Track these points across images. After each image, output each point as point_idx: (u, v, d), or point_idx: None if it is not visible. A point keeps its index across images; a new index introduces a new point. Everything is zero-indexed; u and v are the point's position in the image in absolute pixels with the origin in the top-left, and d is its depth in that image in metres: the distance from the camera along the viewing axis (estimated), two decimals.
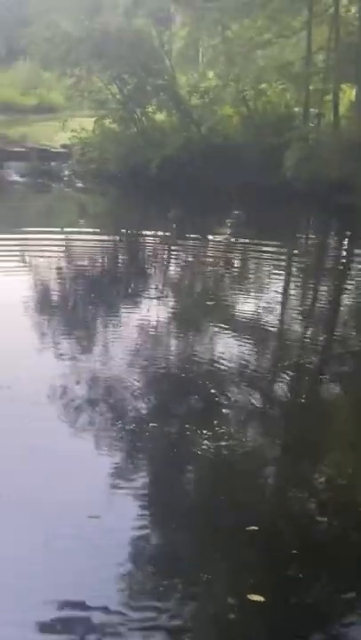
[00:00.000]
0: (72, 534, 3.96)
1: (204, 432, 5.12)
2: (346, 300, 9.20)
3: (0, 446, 4.84)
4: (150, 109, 17.38)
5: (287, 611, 3.56)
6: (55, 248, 10.89)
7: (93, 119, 17.41)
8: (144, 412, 5.50)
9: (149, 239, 12.65)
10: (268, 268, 10.73)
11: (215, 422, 5.28)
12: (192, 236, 12.71)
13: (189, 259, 11.42)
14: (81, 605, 3.45)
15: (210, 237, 12.88)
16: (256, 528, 4.08)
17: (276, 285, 9.61)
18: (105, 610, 3.43)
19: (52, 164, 17.44)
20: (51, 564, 3.73)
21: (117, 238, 12.66)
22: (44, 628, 3.33)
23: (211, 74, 18.74)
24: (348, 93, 16.46)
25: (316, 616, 3.52)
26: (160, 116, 17.48)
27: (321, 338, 7.76)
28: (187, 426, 5.26)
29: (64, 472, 4.59)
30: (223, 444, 5.01)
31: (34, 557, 3.76)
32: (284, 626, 3.47)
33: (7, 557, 3.75)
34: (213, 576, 3.75)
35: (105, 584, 3.64)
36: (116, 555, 3.85)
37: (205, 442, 5.00)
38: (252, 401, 5.80)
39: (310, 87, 15.98)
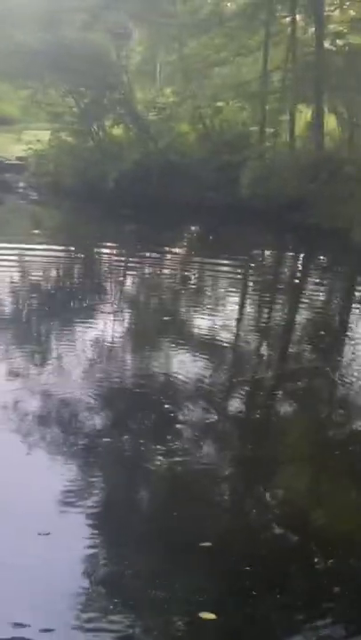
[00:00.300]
0: (20, 550, 3.89)
1: (159, 448, 5.10)
2: (300, 316, 9.28)
3: None
4: (107, 123, 17.39)
5: (239, 627, 3.55)
6: (8, 261, 10.75)
7: (49, 131, 17.36)
8: (98, 427, 5.46)
9: (105, 253, 12.60)
10: (224, 284, 10.78)
11: (169, 438, 5.27)
12: (149, 250, 12.71)
13: (146, 274, 11.42)
14: (26, 626, 3.37)
15: (167, 253, 12.89)
16: (209, 544, 4.06)
17: (232, 301, 9.66)
18: (51, 630, 3.37)
19: (7, 175, 17.31)
20: None
21: (72, 252, 12.58)
22: None
23: (168, 90, 18.87)
24: (305, 114, 16.70)
25: (267, 632, 3.52)
26: (117, 131, 17.50)
27: (275, 354, 7.81)
28: (141, 441, 5.24)
29: (14, 486, 4.52)
30: (177, 459, 5.00)
31: None
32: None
33: None
34: (165, 594, 3.72)
35: (53, 602, 3.57)
36: (65, 573, 3.80)
37: (159, 457, 4.98)
38: (207, 417, 5.80)
39: (267, 106, 16.16)
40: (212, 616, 3.52)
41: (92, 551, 4.02)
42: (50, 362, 6.80)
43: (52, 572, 3.77)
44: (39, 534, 4.04)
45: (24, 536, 4.01)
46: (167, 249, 13.12)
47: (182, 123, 17.36)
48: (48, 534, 4.05)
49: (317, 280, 11.69)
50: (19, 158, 17.67)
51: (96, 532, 4.23)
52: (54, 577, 3.74)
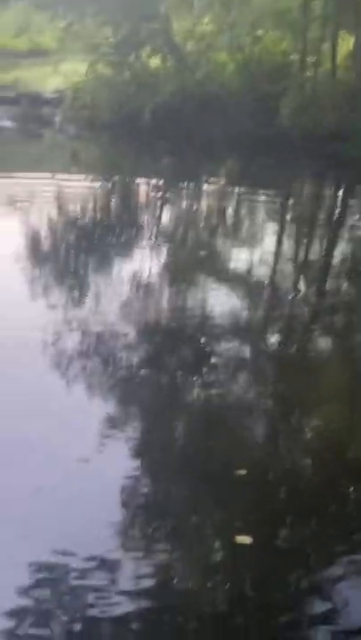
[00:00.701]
0: (60, 476, 4.01)
1: (195, 380, 5.16)
2: (340, 250, 9.19)
3: None
4: (144, 54, 17.06)
5: (274, 552, 3.64)
6: (46, 195, 10.77)
7: (86, 64, 17.09)
8: (135, 360, 5.53)
9: (142, 187, 12.53)
10: (262, 217, 10.69)
11: (206, 371, 5.32)
12: (186, 183, 12.60)
13: (183, 207, 11.35)
14: (69, 551, 3.50)
15: (204, 185, 12.77)
16: (245, 472, 4.14)
17: (271, 235, 9.58)
18: (93, 555, 3.49)
19: (44, 109, 17.15)
20: (40, 507, 3.79)
21: (109, 186, 12.54)
22: (33, 573, 3.37)
23: (206, 20, 18.35)
24: (347, 42, 16.17)
25: (302, 558, 3.60)
26: (154, 62, 17.17)
27: (314, 289, 7.77)
28: (178, 374, 5.30)
29: (54, 415, 4.63)
30: (214, 392, 5.06)
31: (22, 501, 3.81)
32: (270, 567, 3.54)
33: None
34: (201, 519, 3.81)
35: (93, 529, 3.69)
36: (103, 499, 3.91)
37: (196, 390, 5.05)
38: (243, 351, 5.84)
39: (307, 35, 15.69)
40: (247, 540, 3.62)
41: (130, 479, 4.12)
42: (88, 296, 6.85)
43: (91, 498, 3.89)
44: (78, 460, 4.16)
45: (64, 462, 4.13)
46: (205, 181, 12.99)
47: (220, 53, 16.96)
48: (87, 461, 4.17)
49: (358, 213, 11.51)
50: (55, 91, 17.46)
51: (134, 460, 4.33)
52: (93, 503, 3.86)
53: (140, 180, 12.84)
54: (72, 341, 5.74)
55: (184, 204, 11.61)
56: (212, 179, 13.34)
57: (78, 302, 6.72)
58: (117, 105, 15.69)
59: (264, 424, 4.94)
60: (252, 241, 9.37)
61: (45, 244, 8.68)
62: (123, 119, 15.22)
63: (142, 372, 5.32)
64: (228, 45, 16.68)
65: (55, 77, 17.31)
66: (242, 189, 12.34)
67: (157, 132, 14.54)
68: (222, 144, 14.20)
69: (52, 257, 8.33)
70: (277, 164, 13.28)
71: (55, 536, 3.53)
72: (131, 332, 5.98)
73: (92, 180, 12.88)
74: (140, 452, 4.44)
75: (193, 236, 9.84)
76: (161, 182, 12.78)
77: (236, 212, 11.30)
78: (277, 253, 8.76)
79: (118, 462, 4.26)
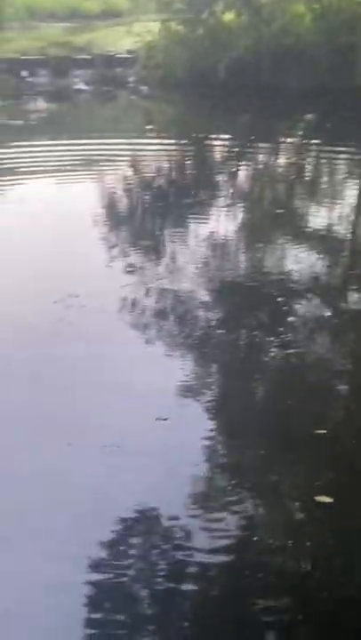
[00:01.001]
0: (140, 434, 4.08)
1: (273, 340, 5.14)
2: None
3: (72, 349, 4.97)
4: (218, 9, 16.73)
5: (355, 511, 3.63)
6: (122, 156, 10.81)
7: (159, 22, 16.90)
8: (213, 320, 5.54)
9: (218, 146, 12.40)
10: (341, 175, 10.44)
11: (283, 330, 5.29)
12: (262, 141, 12.40)
13: (259, 165, 11.19)
14: (148, 510, 3.57)
15: (281, 142, 12.54)
16: (324, 431, 4.13)
17: (350, 193, 9.35)
18: (174, 514, 3.55)
19: (118, 70, 17.08)
20: (118, 464, 3.87)
21: (185, 146, 12.46)
22: (115, 529, 3.47)
23: None
24: None
25: None
26: (228, 16, 16.82)
27: None
28: (255, 334, 5.29)
29: (134, 375, 4.71)
30: (292, 351, 5.03)
31: (102, 458, 3.90)
32: (352, 525, 3.54)
33: (77, 459, 3.91)
34: (282, 479, 3.83)
35: (172, 486, 3.76)
36: (183, 458, 3.96)
37: (274, 349, 5.03)
38: (322, 311, 5.77)
39: None
40: (328, 499, 3.62)
41: (209, 438, 4.16)
42: (164, 257, 6.88)
43: (171, 456, 3.95)
44: (157, 419, 4.22)
45: (144, 421, 4.20)
46: (282, 138, 12.76)
47: (297, 4, 16.46)
48: (166, 420, 4.23)
49: None
50: (129, 52, 17.36)
51: (213, 419, 4.37)
52: (173, 461, 3.92)
53: (216, 138, 12.71)
54: (150, 301, 5.79)
55: (261, 160, 11.44)
56: (289, 134, 13.07)
57: (158, 260, 6.75)
58: (191, 63, 15.50)
59: (344, 383, 4.88)
60: (332, 198, 9.17)
61: (124, 204, 8.72)
62: (196, 77, 15.04)
63: (222, 331, 5.32)
64: None
65: (128, 38, 17.20)
66: (320, 144, 12.06)
67: (232, 88, 14.32)
68: (299, 98, 13.89)
69: (131, 217, 8.37)
70: (357, 117, 12.90)
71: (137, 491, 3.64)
72: (209, 292, 5.98)
73: (167, 140, 12.85)
74: (219, 409, 4.48)
75: (270, 194, 9.71)
76: (237, 139, 12.61)
77: (315, 168, 11.07)
78: (357, 211, 8.55)
79: (197, 421, 4.31)
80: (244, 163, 11.20)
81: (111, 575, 3.18)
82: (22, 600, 3.05)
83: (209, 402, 4.53)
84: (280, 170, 10.92)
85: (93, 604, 3.04)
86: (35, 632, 2.95)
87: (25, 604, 3.03)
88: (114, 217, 8.15)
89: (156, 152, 11.41)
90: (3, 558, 3.24)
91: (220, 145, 12.42)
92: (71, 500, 3.59)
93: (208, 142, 12.58)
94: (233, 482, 3.80)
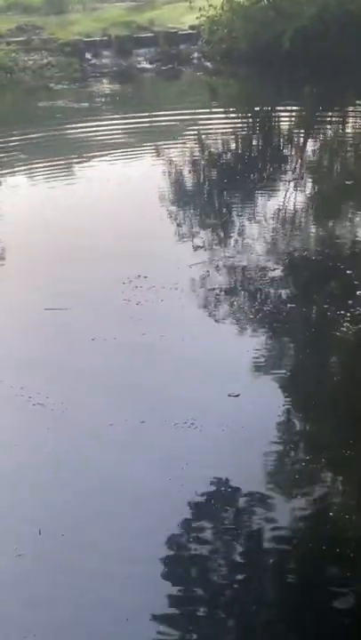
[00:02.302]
0: (213, 410, 4.15)
1: (343, 314, 5.11)
2: None
3: (142, 325, 5.07)
4: None
5: None
6: (189, 135, 10.81)
7: None
8: (283, 295, 5.55)
9: (284, 119, 12.28)
10: None
11: (353, 304, 5.25)
12: (330, 112, 12.22)
13: (327, 137, 11.03)
14: (223, 480, 3.64)
15: (349, 114, 12.31)
16: None
17: None
18: (244, 488, 3.62)
19: (181, 47, 17.03)
20: (192, 438, 3.95)
21: (251, 120, 12.37)
22: (189, 496, 3.55)
23: None
24: None
25: None
26: None
27: None
28: (326, 308, 5.27)
29: (206, 352, 4.79)
30: None
31: (177, 432, 3.99)
32: None
33: (152, 428, 4.00)
34: (358, 454, 3.83)
35: (245, 457, 3.82)
36: (255, 431, 4.01)
37: (345, 324, 5.00)
38: None
39: None
40: None
41: (280, 412, 4.20)
42: (233, 233, 6.89)
43: (243, 430, 4.02)
44: (230, 395, 4.27)
45: (217, 397, 4.27)
46: (350, 110, 12.52)
47: None
48: (238, 396, 4.28)
49: None
50: (191, 28, 17.27)
51: (283, 394, 4.40)
52: (245, 434, 3.98)
53: (283, 110, 12.57)
54: (219, 278, 5.83)
55: (329, 131, 11.27)
56: (355, 106, 12.81)
57: (224, 238, 6.77)
58: (255, 35, 15.32)
59: None
60: None
61: (191, 181, 8.73)
62: (261, 49, 14.86)
63: (293, 305, 5.32)
64: None
65: (191, 14, 17.10)
66: None
67: (297, 59, 14.11)
68: None
69: (199, 193, 8.38)
70: None
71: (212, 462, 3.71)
72: (279, 267, 5.97)
73: (233, 115, 12.78)
74: (291, 385, 4.50)
75: (340, 165, 9.57)
76: (304, 111, 12.45)
77: None
78: None
79: (270, 395, 4.35)
80: (311, 134, 11.05)
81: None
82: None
83: (279, 377, 4.57)
84: (349, 140, 10.73)
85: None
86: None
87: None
88: (181, 194, 8.18)
89: (223, 126, 11.36)
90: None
91: (286, 117, 12.29)
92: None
93: (274, 115, 12.46)
94: (307, 457, 3.83)
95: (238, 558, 3.25)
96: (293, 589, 3.10)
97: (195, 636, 2.91)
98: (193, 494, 3.57)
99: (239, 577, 3.17)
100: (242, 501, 3.55)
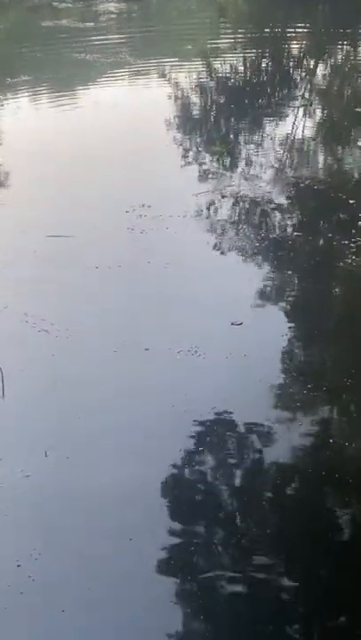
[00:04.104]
0: (215, 338, 4.20)
1: (347, 244, 5.09)
2: None
3: (147, 254, 5.08)
4: None
5: None
6: (193, 62, 10.55)
7: None
8: (288, 224, 5.54)
9: (294, 40, 11.92)
10: None
11: (357, 235, 5.22)
12: (340, 34, 11.86)
13: (338, 60, 10.75)
14: (225, 413, 3.71)
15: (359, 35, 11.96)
16: None
17: None
18: (250, 419, 3.68)
19: None
20: (192, 372, 4.00)
21: (259, 42, 12.03)
22: (195, 429, 3.63)
23: None
24: None
25: None
26: None
27: None
28: (330, 236, 5.25)
29: (210, 280, 4.82)
30: None
31: (180, 361, 4.04)
32: None
33: (156, 355, 4.06)
34: (358, 382, 3.88)
35: (249, 390, 3.87)
36: (257, 360, 4.06)
37: (350, 255, 4.99)
38: None
39: None
40: None
41: (284, 343, 4.24)
42: (238, 162, 6.81)
43: (246, 359, 4.06)
44: (232, 324, 4.31)
45: (219, 326, 4.31)
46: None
47: None
48: (241, 324, 4.31)
49: None
50: None
51: (289, 324, 4.43)
52: (248, 364, 4.03)
53: (293, 32, 12.20)
54: (226, 207, 5.79)
55: (339, 54, 10.98)
56: None
57: (231, 167, 6.69)
58: None
59: None
60: None
61: (197, 106, 8.58)
62: None
63: (295, 233, 5.31)
64: None
65: None
66: None
67: None
68: None
69: (205, 119, 8.24)
70: None
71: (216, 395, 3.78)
72: (284, 197, 5.93)
73: (242, 34, 12.44)
74: (294, 312, 4.52)
75: (347, 92, 9.36)
76: (313, 35, 12.10)
77: None
78: None
79: (273, 323, 4.38)
80: (320, 58, 10.76)
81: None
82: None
83: (282, 307, 4.61)
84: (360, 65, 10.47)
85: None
86: None
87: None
88: (186, 119, 8.05)
89: (231, 47, 11.08)
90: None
91: (296, 39, 11.94)
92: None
93: (283, 38, 12.09)
94: (304, 386, 3.88)
95: (239, 480, 3.35)
96: (292, 511, 3.20)
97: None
98: (195, 421, 3.64)
99: (241, 498, 3.27)
100: (243, 428, 3.62)
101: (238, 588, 2.84)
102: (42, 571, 2.89)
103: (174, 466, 3.41)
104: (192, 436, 3.57)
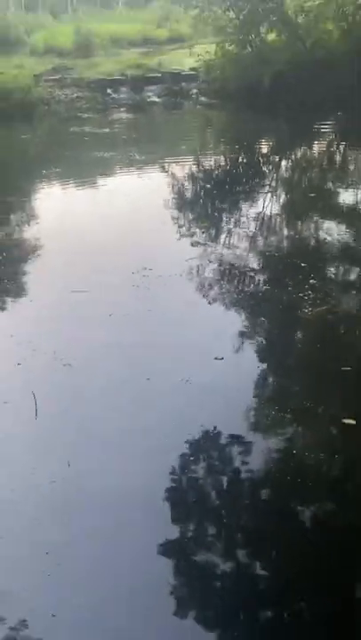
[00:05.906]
0: (201, 371, 4.18)
1: (307, 298, 5.12)
2: None
3: (147, 303, 5.09)
4: (263, 30, 16.22)
5: None
6: (186, 155, 10.74)
7: (215, 44, 16.52)
8: (259, 282, 5.56)
9: (263, 144, 12.18)
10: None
11: (317, 289, 5.26)
12: (300, 141, 12.11)
13: (298, 160, 10.97)
14: (212, 430, 3.67)
15: (315, 141, 12.20)
16: (350, 368, 4.14)
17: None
18: (238, 436, 3.65)
19: (183, 84, 16.84)
20: (186, 396, 3.98)
21: (236, 145, 12.24)
22: (184, 446, 3.59)
23: None
24: None
25: None
26: (271, 36, 16.31)
27: None
28: (290, 290, 5.28)
29: (196, 324, 4.85)
30: (324, 307, 5.00)
31: (176, 388, 4.02)
32: None
33: (156, 385, 4.03)
34: (315, 406, 3.87)
35: (231, 411, 3.84)
36: (237, 389, 4.04)
37: (308, 306, 5.01)
38: (353, 274, 5.70)
39: None
40: (352, 422, 3.65)
41: (258, 374, 4.23)
42: (220, 234, 6.87)
43: (227, 388, 4.05)
44: (216, 359, 4.30)
45: (204, 360, 4.30)
46: (315, 139, 12.39)
47: (327, 22, 15.82)
48: (222, 359, 4.30)
49: None
50: (191, 69, 17.09)
51: (261, 359, 4.42)
52: (229, 392, 4.01)
53: (261, 140, 12.45)
54: (210, 269, 5.82)
55: (300, 156, 11.20)
56: (323, 134, 12.69)
57: (215, 239, 6.74)
58: (241, 76, 15.14)
59: None
60: (357, 183, 8.94)
61: (188, 194, 8.68)
62: (246, 88, 14.69)
63: (268, 287, 5.33)
64: (334, 15, 15.53)
65: (191, 58, 16.94)
66: (349, 143, 11.71)
67: (275, 96, 13.98)
68: (331, 103, 13.44)
69: (194, 203, 8.33)
70: None
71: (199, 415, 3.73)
72: (254, 260, 5.97)
73: (222, 140, 12.69)
74: (264, 352, 4.52)
75: (305, 182, 9.52)
76: (279, 140, 12.35)
77: (344, 160, 10.77)
78: None
79: (249, 358, 4.37)
80: (283, 159, 10.97)
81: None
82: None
83: (257, 345, 4.60)
84: (313, 162, 10.66)
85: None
86: None
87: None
88: (181, 203, 8.15)
89: (214, 147, 11.26)
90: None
91: (264, 144, 12.19)
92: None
93: (255, 142, 12.33)
94: (277, 409, 3.86)
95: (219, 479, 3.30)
96: (265, 510, 3.15)
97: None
98: (184, 436, 3.60)
99: (221, 495, 3.22)
100: (223, 440, 3.59)
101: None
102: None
103: (174, 463, 3.38)
104: (187, 441, 3.55)
